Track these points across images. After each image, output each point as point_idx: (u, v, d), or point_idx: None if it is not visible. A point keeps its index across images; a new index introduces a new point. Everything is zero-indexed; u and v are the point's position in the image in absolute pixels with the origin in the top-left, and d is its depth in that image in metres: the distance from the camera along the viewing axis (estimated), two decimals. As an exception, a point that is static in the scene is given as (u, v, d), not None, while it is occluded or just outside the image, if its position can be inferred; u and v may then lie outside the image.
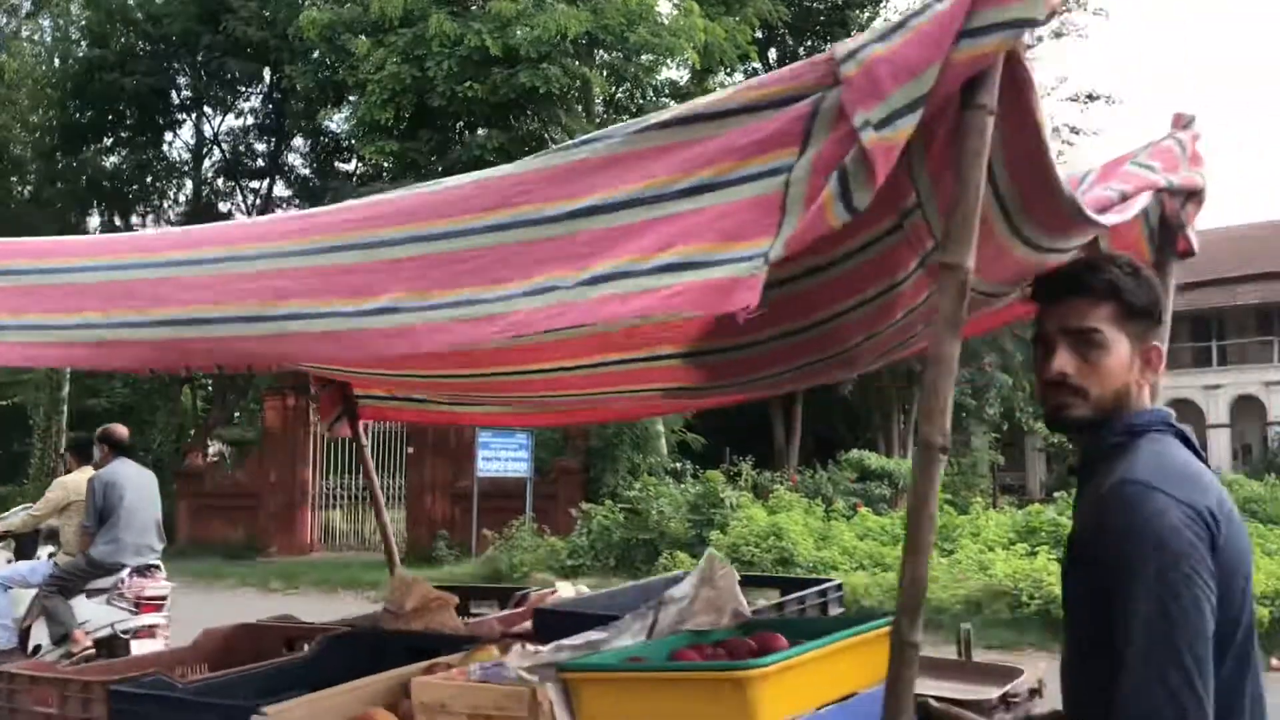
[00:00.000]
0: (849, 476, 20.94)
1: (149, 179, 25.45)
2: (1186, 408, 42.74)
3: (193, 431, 24.97)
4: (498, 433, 17.00)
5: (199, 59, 21.60)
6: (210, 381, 28.00)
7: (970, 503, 16.51)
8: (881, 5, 26.94)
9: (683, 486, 15.29)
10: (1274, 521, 18.69)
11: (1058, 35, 28.87)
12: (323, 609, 13.09)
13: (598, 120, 17.76)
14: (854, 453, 22.42)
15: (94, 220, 25.73)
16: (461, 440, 18.82)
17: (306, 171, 24.19)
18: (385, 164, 17.22)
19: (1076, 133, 29.45)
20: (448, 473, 18.74)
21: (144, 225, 26.25)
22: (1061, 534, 12.66)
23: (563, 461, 17.26)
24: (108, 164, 24.87)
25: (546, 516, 16.62)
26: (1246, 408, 41.63)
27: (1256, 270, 43.17)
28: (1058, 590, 10.29)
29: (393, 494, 19.95)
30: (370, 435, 20.42)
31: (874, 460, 22.35)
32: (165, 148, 25.50)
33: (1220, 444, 41.47)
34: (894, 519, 14.62)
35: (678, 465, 17.40)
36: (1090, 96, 29.30)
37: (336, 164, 22.75)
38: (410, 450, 19.15)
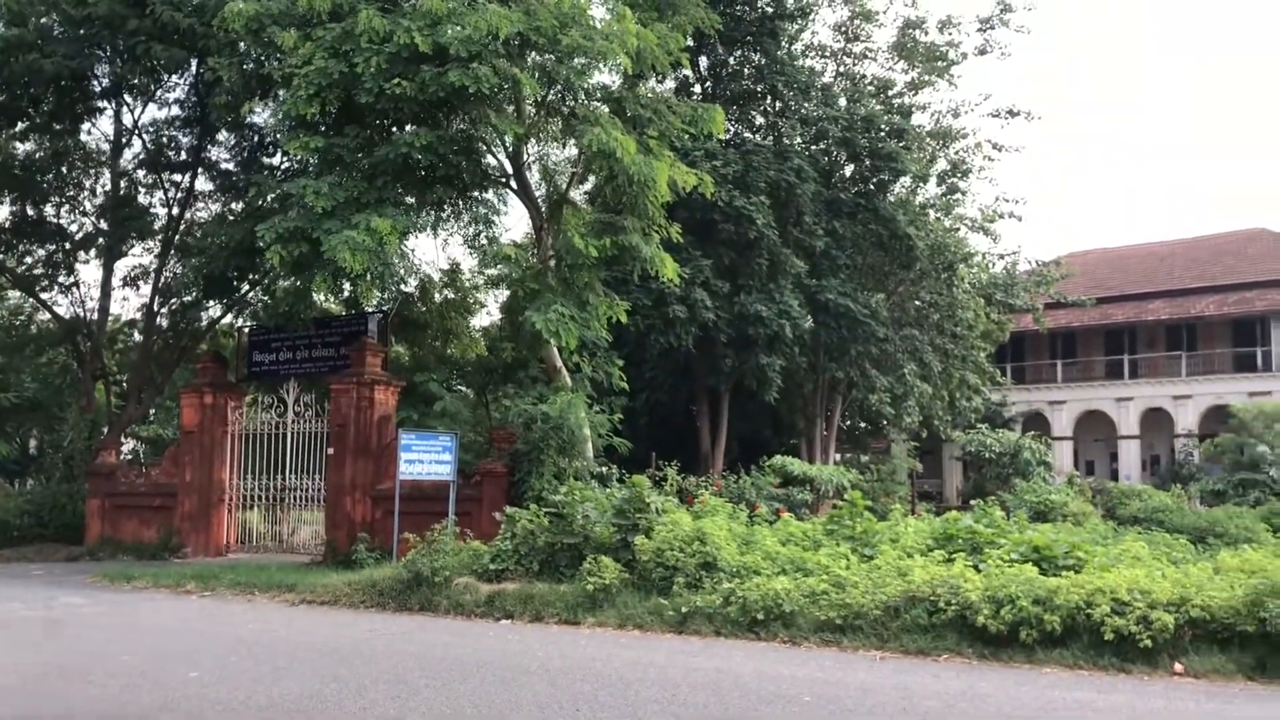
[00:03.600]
0: (772, 482, 21.23)
1: (64, 168, 24.71)
2: (1099, 419, 43.96)
3: (106, 429, 24.24)
4: (421, 435, 16.89)
5: (122, 43, 20.98)
6: (125, 378, 27.31)
7: (889, 509, 16.77)
8: (810, 19, 27.33)
9: (609, 491, 15.30)
10: (1180, 530, 19.33)
11: (981, 53, 29.53)
12: (238, 612, 12.88)
13: (528, 121, 17.76)
14: (777, 459, 22.71)
15: (3, 210, 24.98)
16: (383, 442, 18.62)
17: (230, 166, 23.70)
18: (310, 159, 16.97)
19: (999, 149, 30.20)
20: (369, 475, 18.53)
21: (58, 216, 25.51)
22: (978, 541, 12.92)
23: (487, 464, 17.17)
24: (21, 150, 24.11)
25: (470, 520, 16.50)
26: (1155, 420, 42.95)
27: (1166, 287, 44.60)
28: (974, 596, 10.52)
29: (312, 495, 19.70)
30: (291, 436, 20.09)
31: (796, 466, 22.65)
32: (84, 136, 24.79)
33: (1130, 454, 42.72)
34: (815, 524, 14.77)
35: (604, 470, 17.44)
36: (1011, 113, 30.02)
37: (261, 158, 22.29)
38: (330, 451, 18.90)
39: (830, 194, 26.01)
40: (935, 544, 13.23)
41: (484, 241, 19.88)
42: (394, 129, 17.49)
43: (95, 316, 25.86)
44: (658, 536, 12.74)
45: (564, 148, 22.25)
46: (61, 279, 25.86)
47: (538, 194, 20.08)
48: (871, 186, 26.35)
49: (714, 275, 23.03)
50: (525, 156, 19.33)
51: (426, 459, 16.62)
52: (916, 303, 29.77)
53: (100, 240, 25.13)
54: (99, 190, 25.77)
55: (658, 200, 17.12)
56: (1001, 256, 33.04)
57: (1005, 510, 20.20)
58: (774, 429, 28.13)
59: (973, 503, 19.75)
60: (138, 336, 28.56)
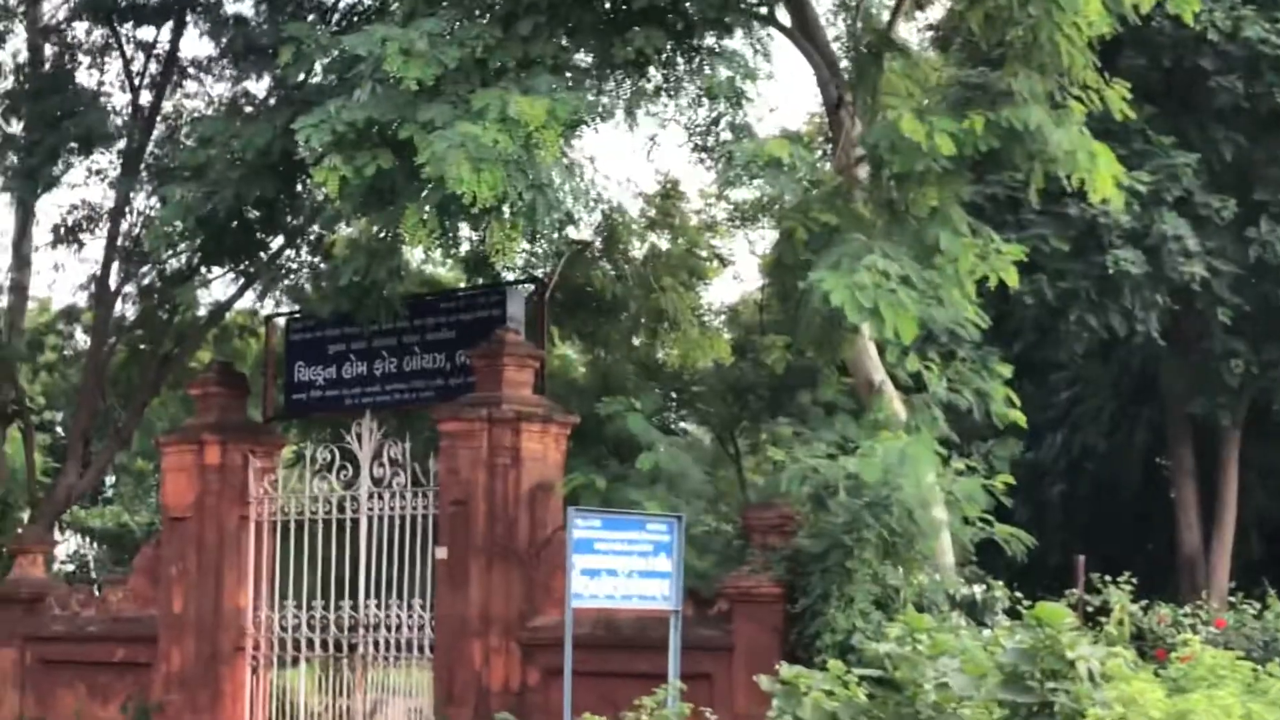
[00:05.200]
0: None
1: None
2: None
3: (27, 514, 25.49)
4: (613, 519, 16.82)
5: None
6: (59, 417, 28.64)
7: None
8: None
9: (988, 634, 14.88)
10: None
11: None
12: None
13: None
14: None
15: None
16: (539, 534, 18.80)
17: (244, 6, 24.77)
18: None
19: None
20: (513, 598, 18.66)
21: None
22: None
23: (741, 579, 17.01)
24: None
25: (708, 688, 16.45)
26: None
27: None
28: None
29: (408, 639, 19.96)
30: (367, 523, 20.55)
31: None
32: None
33: None
34: None
35: (976, 589, 17.16)
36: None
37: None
38: (441, 554, 19.15)
39: None
40: None
41: (727, 134, 19.90)
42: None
43: (4, 301, 27.54)
44: (1096, 729, 12.27)
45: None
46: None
47: (831, 35, 20.03)
48: None
49: (1203, 188, 22.59)
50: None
51: (622, 568, 16.55)
52: None
53: (10, 155, 26.27)
54: (7, 61, 27.24)
55: (1080, 35, 16.92)
56: None
57: None
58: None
59: None
60: (81, 337, 30.04)
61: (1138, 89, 19.75)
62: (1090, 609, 17.30)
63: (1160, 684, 13.67)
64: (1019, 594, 16.98)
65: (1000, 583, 17.51)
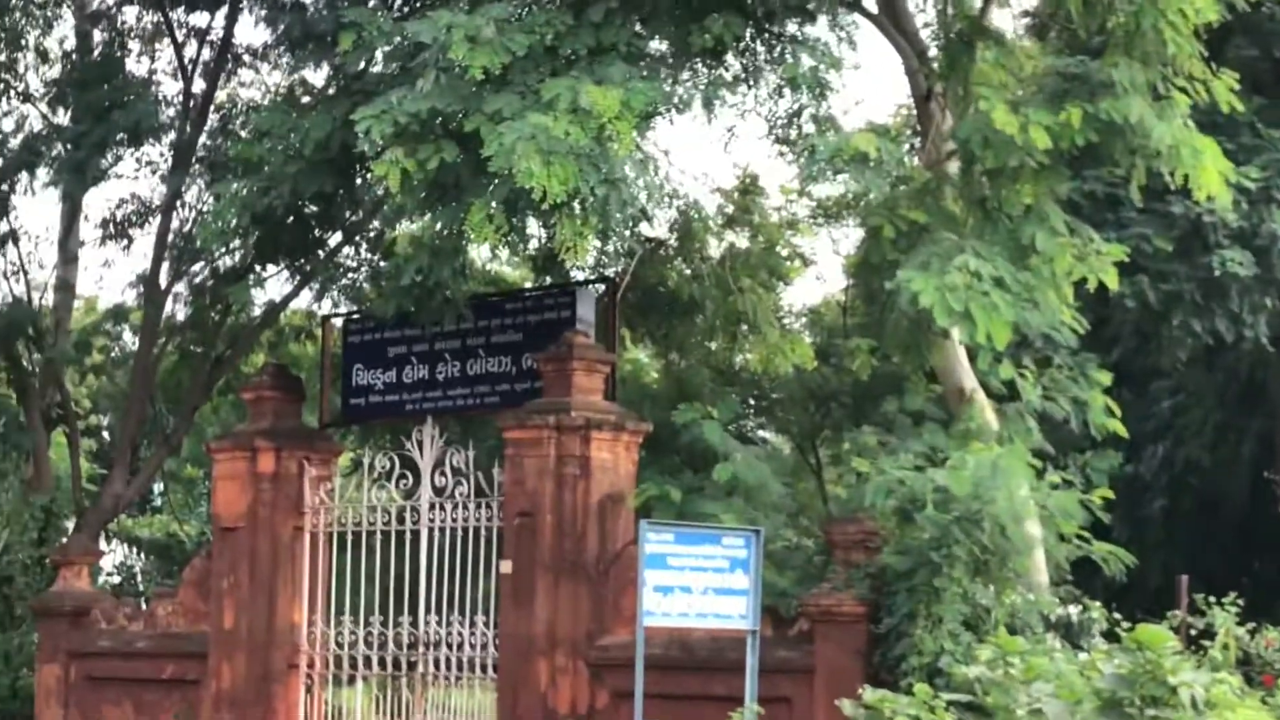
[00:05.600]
0: None
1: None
2: None
3: (72, 523, 25.62)
4: (686, 533, 16.78)
5: None
6: (106, 421, 28.78)
7: None
8: None
9: (1084, 656, 14.76)
10: None
11: None
12: None
13: None
14: None
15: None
16: (610, 548, 18.80)
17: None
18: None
19: None
20: (581, 615, 18.65)
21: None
22: None
23: (822, 597, 16.94)
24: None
25: (788, 713, 16.45)
26: None
27: None
28: None
29: (470, 657, 20.00)
30: (427, 535, 20.62)
31: None
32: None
33: None
34: None
35: (1070, 611, 17.06)
36: None
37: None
38: (505, 568, 19.15)
39: None
40: None
41: (810, 127, 19.77)
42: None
43: (50, 300, 27.71)
44: (1198, 760, 12.13)
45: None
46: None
47: (920, 23, 20.14)
48: None
49: None
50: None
51: (697, 584, 16.53)
52: None
53: (57, 147, 26.49)
54: (54, 48, 27.58)
55: (1185, 22, 16.80)
56: None
57: None
58: None
59: None
60: (130, 338, 30.29)
61: (1246, 80, 19.66)
62: (1193, 632, 17.11)
63: (1269, 712, 13.53)
64: (1117, 615, 16.76)
65: (1098, 603, 17.41)
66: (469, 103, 16.60)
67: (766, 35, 19.27)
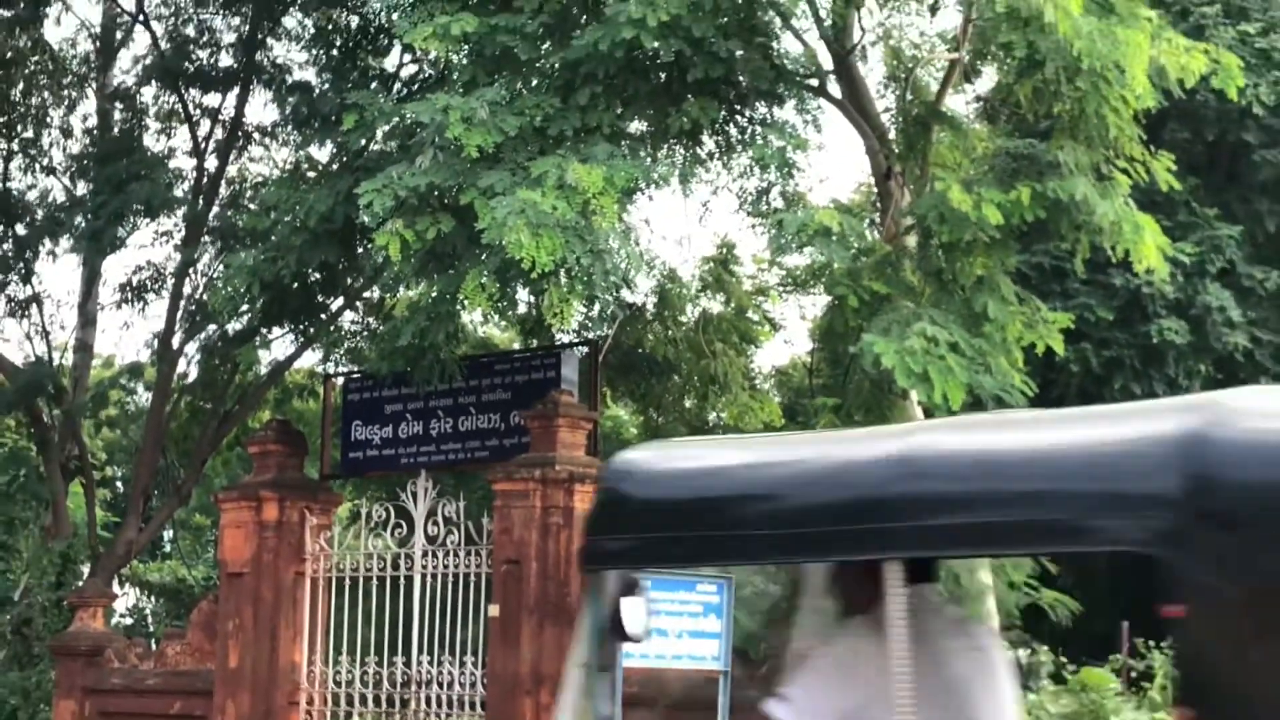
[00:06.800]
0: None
1: (16, 87, 27.04)
2: None
3: (88, 567, 26.03)
4: (664, 580, 17.12)
5: None
6: (121, 473, 29.04)
7: None
8: None
9: (1032, 698, 15.33)
10: None
11: None
12: None
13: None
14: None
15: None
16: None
17: (308, 74, 25.35)
18: (453, 56, 18.02)
19: None
20: (566, 655, 18.86)
21: (3, 175, 27.77)
22: None
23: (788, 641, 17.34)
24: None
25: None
26: None
27: None
28: None
29: (459, 695, 20.36)
30: (421, 581, 20.52)
31: None
32: (50, 30, 27.35)
33: None
34: None
35: (1020, 654, 17.52)
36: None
37: (363, 59, 23.64)
38: (494, 612, 19.53)
39: None
40: None
41: (779, 202, 20.27)
42: (604, -2, 18.29)
43: (70, 359, 27.90)
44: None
45: (930, 11, 22.25)
46: (10, 290, 27.99)
47: (880, 105, 20.37)
48: None
49: (1246, 259, 22.92)
50: (856, 33, 19.83)
51: (673, 628, 16.87)
52: None
53: (78, 217, 26.83)
54: (76, 125, 27.69)
55: (1126, 108, 17.18)
56: None
57: None
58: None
59: None
60: (143, 394, 30.59)
61: (1182, 161, 20.15)
62: (1134, 674, 17.61)
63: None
64: (1064, 659, 17.31)
65: (1045, 647, 17.92)
66: (464, 178, 16.94)
67: (739, 118, 19.59)
